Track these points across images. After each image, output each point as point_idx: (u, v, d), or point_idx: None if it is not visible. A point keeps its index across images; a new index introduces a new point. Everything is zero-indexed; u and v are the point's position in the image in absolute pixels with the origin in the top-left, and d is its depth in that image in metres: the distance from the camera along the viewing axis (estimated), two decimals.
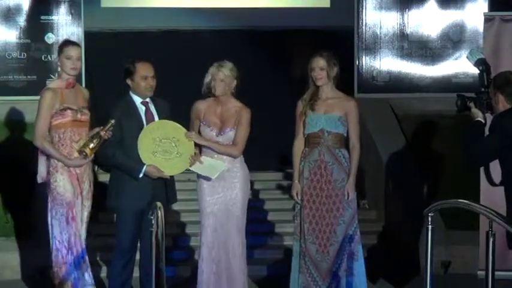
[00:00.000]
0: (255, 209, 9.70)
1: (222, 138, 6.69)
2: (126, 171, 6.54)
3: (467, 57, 6.46)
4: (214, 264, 6.69)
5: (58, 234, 6.46)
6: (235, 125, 6.71)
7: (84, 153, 6.39)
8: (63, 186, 6.45)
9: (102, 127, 6.43)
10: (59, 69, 6.63)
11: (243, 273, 6.76)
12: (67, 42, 6.72)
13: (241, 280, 6.77)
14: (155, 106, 6.65)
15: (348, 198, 6.64)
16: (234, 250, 6.73)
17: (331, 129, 6.69)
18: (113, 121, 6.40)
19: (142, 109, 6.62)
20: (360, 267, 6.71)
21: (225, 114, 6.73)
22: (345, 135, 6.76)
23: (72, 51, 6.54)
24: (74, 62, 6.53)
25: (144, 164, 6.50)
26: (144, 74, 6.56)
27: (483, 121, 6.12)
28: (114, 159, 6.56)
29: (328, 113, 6.71)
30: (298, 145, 6.81)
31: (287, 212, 9.91)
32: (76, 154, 6.46)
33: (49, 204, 6.50)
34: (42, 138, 6.44)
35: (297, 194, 6.76)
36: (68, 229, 6.45)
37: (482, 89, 6.22)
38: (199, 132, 6.74)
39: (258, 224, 9.38)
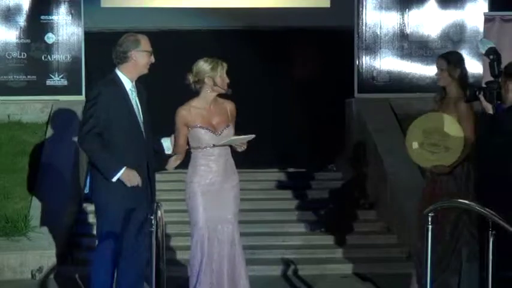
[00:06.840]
0: (255, 210, 9.69)
1: (221, 137, 6.58)
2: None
3: (477, 45, 6.38)
4: (214, 275, 6.49)
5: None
6: (229, 122, 6.58)
7: None
8: None
9: None
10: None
11: (245, 277, 6.61)
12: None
13: (244, 284, 6.61)
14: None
15: None
16: (238, 256, 6.57)
17: None
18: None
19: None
20: None
21: (217, 111, 6.57)
22: None
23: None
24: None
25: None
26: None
27: (492, 113, 6.07)
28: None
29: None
30: None
31: (287, 212, 9.92)
32: None
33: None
34: None
35: None
36: None
37: (493, 79, 6.13)
38: (187, 138, 6.52)
39: (257, 225, 9.38)
